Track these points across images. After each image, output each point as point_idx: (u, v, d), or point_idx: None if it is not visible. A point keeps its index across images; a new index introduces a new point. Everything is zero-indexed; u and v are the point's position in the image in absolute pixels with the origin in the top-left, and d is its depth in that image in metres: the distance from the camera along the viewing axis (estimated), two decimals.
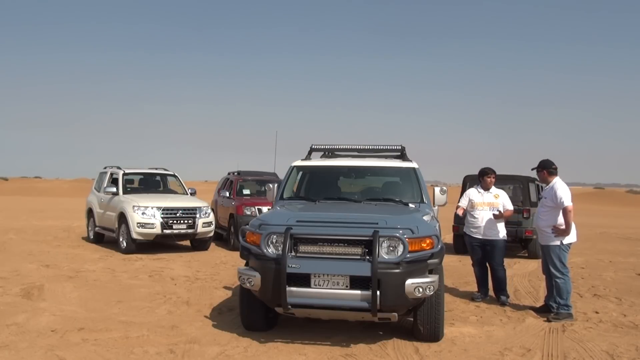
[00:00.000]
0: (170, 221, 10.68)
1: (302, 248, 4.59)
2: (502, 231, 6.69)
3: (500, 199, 6.73)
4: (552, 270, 5.95)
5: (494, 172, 6.85)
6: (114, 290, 7.03)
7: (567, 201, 5.85)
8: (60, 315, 5.68)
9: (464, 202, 6.92)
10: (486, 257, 6.79)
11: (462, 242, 10.58)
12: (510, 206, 6.77)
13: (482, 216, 6.68)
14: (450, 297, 6.77)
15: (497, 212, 6.62)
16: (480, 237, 6.70)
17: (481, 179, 6.86)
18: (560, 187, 5.95)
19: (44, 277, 7.85)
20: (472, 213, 6.78)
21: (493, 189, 6.83)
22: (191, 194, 12.29)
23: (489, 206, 6.69)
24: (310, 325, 5.31)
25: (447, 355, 4.58)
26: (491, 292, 6.89)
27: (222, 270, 8.82)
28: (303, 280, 4.49)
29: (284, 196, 6.15)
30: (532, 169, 6.30)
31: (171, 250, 11.21)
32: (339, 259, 4.51)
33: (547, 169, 6.08)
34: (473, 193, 6.88)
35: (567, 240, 5.94)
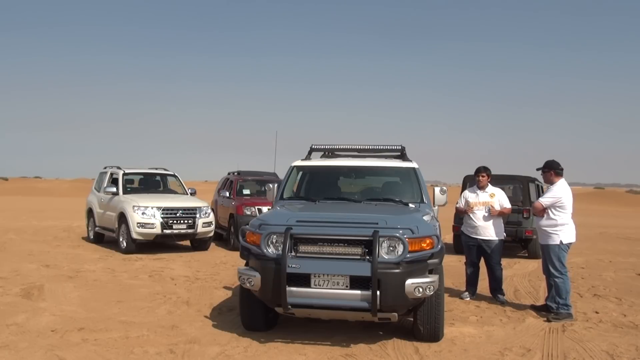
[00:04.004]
0: (170, 221, 10.68)
1: (302, 248, 4.59)
2: (499, 231, 6.69)
3: (495, 198, 6.71)
4: (551, 269, 5.98)
5: (486, 170, 6.85)
6: (114, 290, 7.03)
7: (545, 200, 5.98)
8: (60, 315, 5.68)
9: (460, 203, 6.98)
10: (482, 257, 6.81)
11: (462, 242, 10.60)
12: (507, 204, 6.74)
13: (478, 216, 6.68)
14: (450, 297, 6.77)
15: (489, 210, 6.63)
16: (477, 236, 6.71)
17: (475, 178, 6.91)
18: (557, 189, 6.01)
19: (44, 277, 7.85)
20: (468, 213, 6.80)
21: (490, 187, 6.83)
22: (191, 194, 12.29)
23: (484, 205, 6.69)
24: (310, 325, 5.31)
25: (447, 355, 4.58)
26: (486, 292, 6.91)
27: (222, 270, 8.82)
28: (303, 280, 4.49)
29: (284, 196, 6.15)
30: (537, 169, 6.30)
31: (171, 250, 11.21)
32: (339, 259, 4.51)
33: (554, 169, 6.09)
34: (468, 193, 6.93)
35: (566, 240, 5.96)
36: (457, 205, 7.11)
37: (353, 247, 4.51)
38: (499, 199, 6.72)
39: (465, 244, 6.95)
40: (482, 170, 6.84)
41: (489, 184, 6.87)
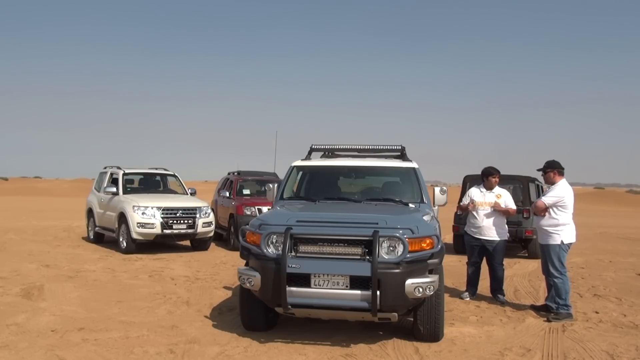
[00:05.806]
0: (170, 221, 10.68)
1: (302, 248, 4.59)
2: (502, 231, 6.69)
3: (502, 199, 6.70)
4: (551, 269, 5.97)
5: (498, 172, 6.81)
6: (114, 290, 7.03)
7: (548, 200, 5.96)
8: (60, 315, 5.68)
9: (465, 201, 6.94)
10: (485, 257, 6.80)
11: (462, 242, 10.59)
12: (512, 205, 6.75)
13: (483, 216, 6.67)
14: (450, 297, 6.77)
15: (493, 210, 6.62)
16: (480, 237, 6.70)
17: (485, 179, 6.82)
18: (559, 188, 6.01)
19: (44, 277, 7.85)
20: (472, 212, 6.77)
21: (496, 188, 6.81)
22: (191, 194, 12.30)
23: (490, 206, 6.68)
24: (310, 325, 5.31)
25: (447, 355, 4.58)
26: (486, 292, 6.91)
27: (222, 270, 8.82)
28: (303, 280, 4.49)
29: (284, 196, 6.15)
30: (538, 170, 6.28)
31: (171, 250, 11.21)
32: (339, 259, 4.51)
33: (557, 169, 6.09)
34: (475, 192, 6.87)
35: (567, 240, 5.96)
36: (461, 203, 7.09)
37: (353, 247, 4.51)
38: (505, 200, 6.71)
39: (468, 244, 6.94)
40: (493, 172, 6.78)
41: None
